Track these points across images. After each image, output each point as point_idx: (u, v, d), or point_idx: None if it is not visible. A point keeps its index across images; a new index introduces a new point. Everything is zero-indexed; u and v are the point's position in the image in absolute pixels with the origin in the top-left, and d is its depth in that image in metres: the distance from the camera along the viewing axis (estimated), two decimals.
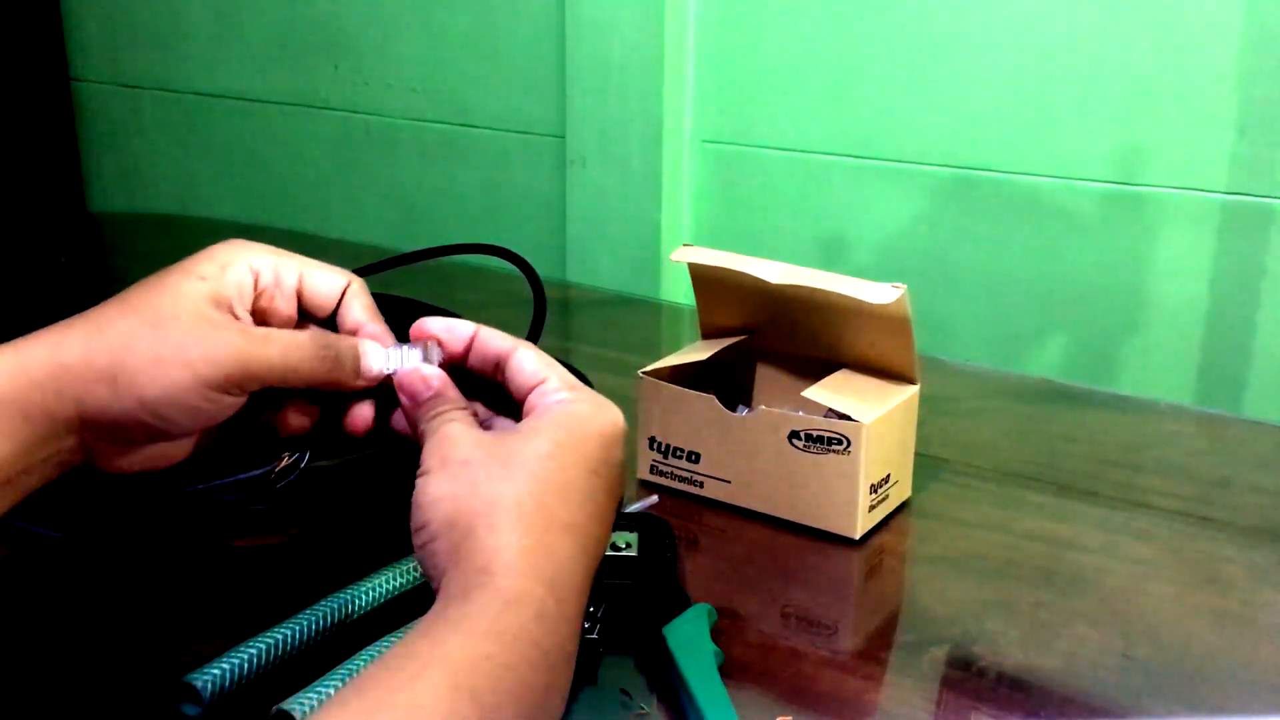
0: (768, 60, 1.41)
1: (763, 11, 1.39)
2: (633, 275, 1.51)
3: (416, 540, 0.47)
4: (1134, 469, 0.80)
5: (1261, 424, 0.92)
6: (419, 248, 0.90)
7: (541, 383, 0.51)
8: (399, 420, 0.55)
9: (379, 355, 0.55)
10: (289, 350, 0.52)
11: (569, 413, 0.50)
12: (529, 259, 0.87)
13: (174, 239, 1.43)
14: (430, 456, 0.48)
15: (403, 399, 0.53)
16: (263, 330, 0.52)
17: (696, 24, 1.44)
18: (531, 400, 0.51)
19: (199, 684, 0.52)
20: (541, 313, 0.86)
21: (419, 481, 0.48)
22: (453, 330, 0.54)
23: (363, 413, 0.56)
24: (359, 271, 0.93)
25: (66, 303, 1.19)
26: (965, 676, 0.57)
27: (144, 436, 0.50)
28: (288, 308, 0.55)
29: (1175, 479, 0.78)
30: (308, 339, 0.53)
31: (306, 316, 0.56)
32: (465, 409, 0.51)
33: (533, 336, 0.85)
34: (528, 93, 1.59)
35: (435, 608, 0.43)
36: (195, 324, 0.50)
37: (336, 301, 0.56)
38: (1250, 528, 0.72)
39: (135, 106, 1.98)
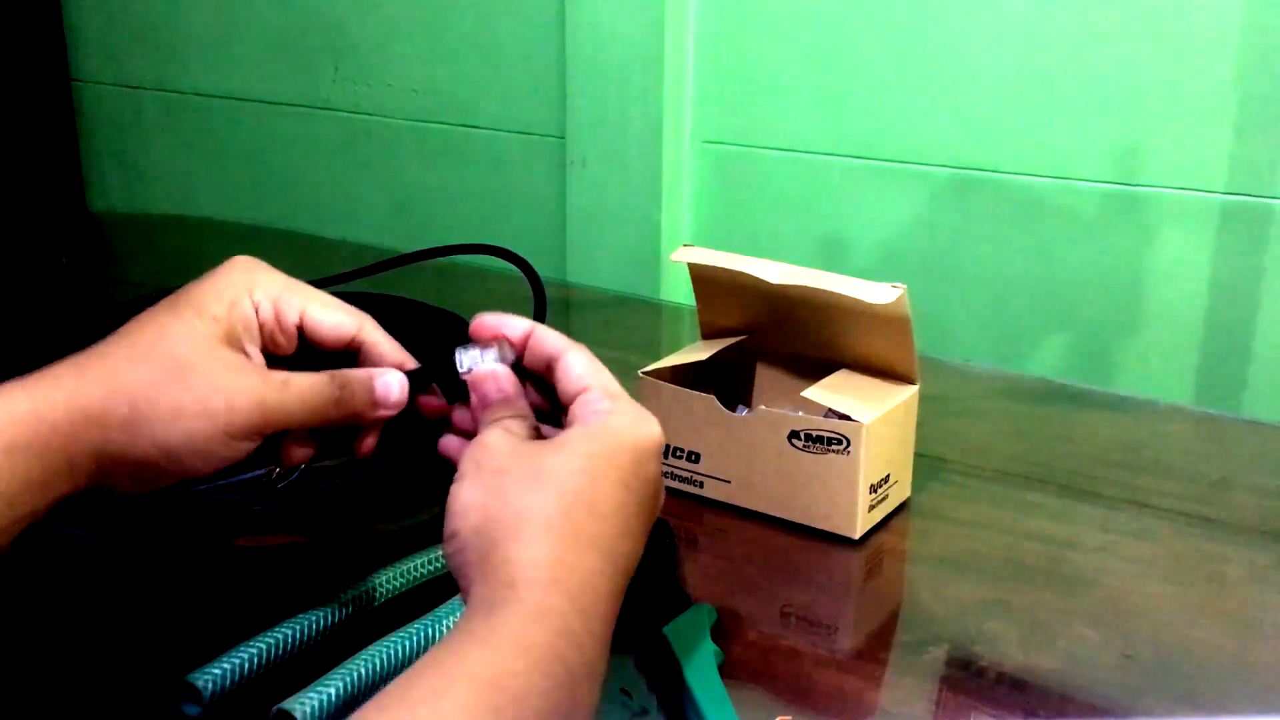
0: (768, 60, 1.41)
1: (763, 11, 1.39)
2: (633, 275, 1.51)
3: (447, 548, 0.47)
4: (1134, 469, 0.80)
5: (1261, 424, 0.92)
6: (419, 248, 0.91)
7: (584, 390, 0.51)
8: (448, 445, 0.55)
9: (397, 383, 0.55)
10: (306, 395, 0.52)
11: (605, 425, 0.49)
12: (529, 259, 0.87)
13: (174, 239, 1.43)
14: (466, 461, 0.48)
15: (474, 398, 0.53)
16: (281, 375, 0.52)
17: (696, 24, 1.44)
18: (574, 410, 0.51)
19: (200, 684, 0.52)
20: (542, 313, 0.86)
21: (453, 488, 0.47)
22: (509, 325, 0.54)
23: (368, 442, 0.56)
24: (359, 272, 0.93)
25: (66, 303, 1.19)
26: (965, 676, 0.57)
27: (161, 477, 0.51)
28: (287, 344, 0.55)
29: (1175, 479, 0.78)
30: (324, 381, 0.53)
31: (312, 349, 0.56)
32: (525, 418, 0.51)
33: None
34: (528, 93, 1.59)
35: (461, 621, 0.43)
36: (214, 371, 0.50)
37: (340, 340, 0.55)
38: (1250, 528, 0.72)
39: (135, 106, 1.98)
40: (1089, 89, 1.24)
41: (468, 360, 0.54)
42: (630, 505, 0.48)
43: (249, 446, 0.51)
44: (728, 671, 0.56)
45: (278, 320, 0.54)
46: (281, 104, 1.82)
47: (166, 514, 0.69)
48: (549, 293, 0.86)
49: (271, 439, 0.53)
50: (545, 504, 0.45)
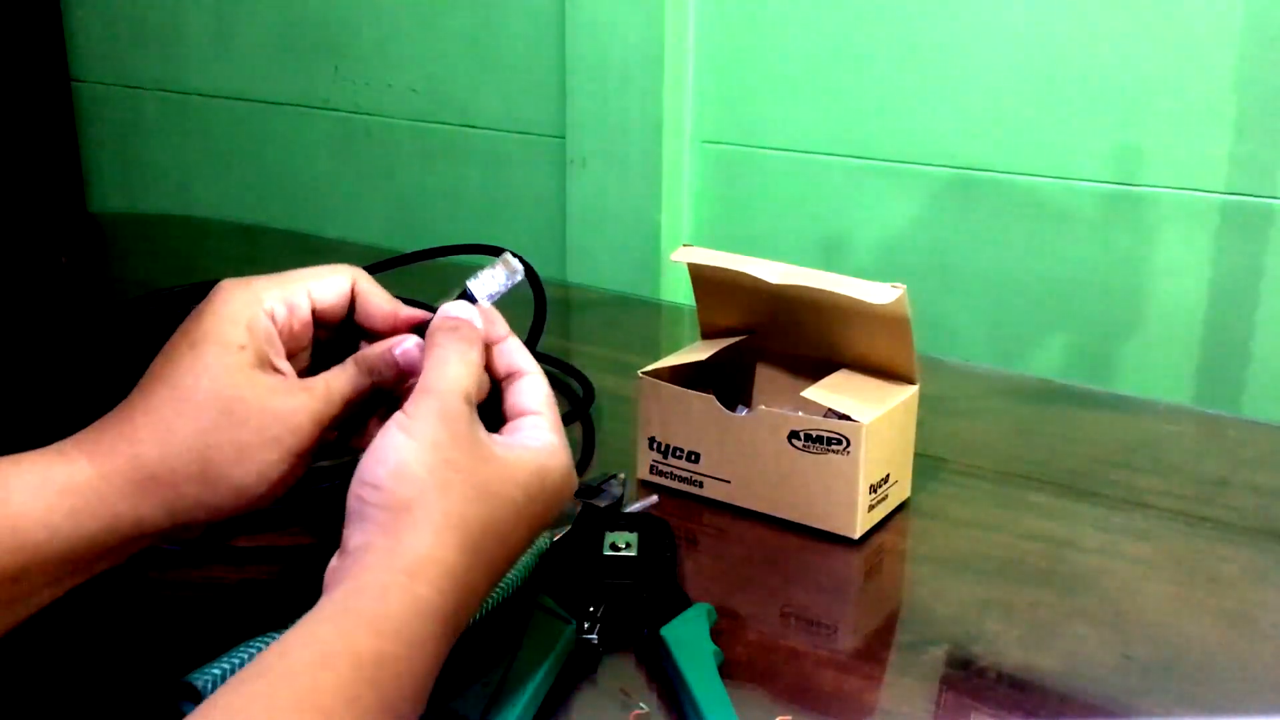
0: (768, 60, 1.41)
1: (763, 11, 1.39)
2: (633, 275, 1.51)
3: (361, 490, 0.46)
4: (1133, 469, 0.80)
5: (1260, 424, 0.92)
6: (419, 248, 0.90)
7: (537, 414, 0.52)
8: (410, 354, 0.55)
9: (415, 346, 0.55)
10: (347, 392, 0.53)
11: (550, 466, 0.50)
12: (529, 259, 0.87)
13: (174, 239, 1.43)
14: (425, 419, 0.47)
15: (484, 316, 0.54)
16: (320, 382, 0.52)
17: (696, 24, 1.44)
18: (520, 424, 0.52)
19: (199, 684, 0.52)
20: (542, 313, 0.86)
21: (399, 435, 0.46)
22: (496, 326, 0.55)
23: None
24: None
25: (66, 303, 1.19)
26: (965, 676, 0.57)
27: (232, 515, 0.51)
28: (305, 332, 0.55)
29: (1174, 479, 0.78)
30: (354, 371, 0.54)
31: (319, 325, 0.56)
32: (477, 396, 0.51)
33: (533, 336, 0.85)
34: (528, 93, 1.59)
35: (341, 595, 0.43)
36: (265, 400, 0.50)
37: (345, 304, 0.56)
38: (1249, 528, 0.72)
39: (135, 106, 1.98)
40: (1089, 89, 1.24)
41: (482, 289, 0.55)
42: (526, 541, 0.50)
43: (309, 459, 0.52)
44: (727, 671, 0.56)
45: (292, 316, 0.54)
46: (281, 104, 1.82)
47: None
48: (549, 293, 0.86)
49: None
50: (473, 519, 0.46)
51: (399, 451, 0.46)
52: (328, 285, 0.55)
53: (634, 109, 1.46)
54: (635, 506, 0.72)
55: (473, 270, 0.59)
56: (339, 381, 0.53)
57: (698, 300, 0.78)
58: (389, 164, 1.75)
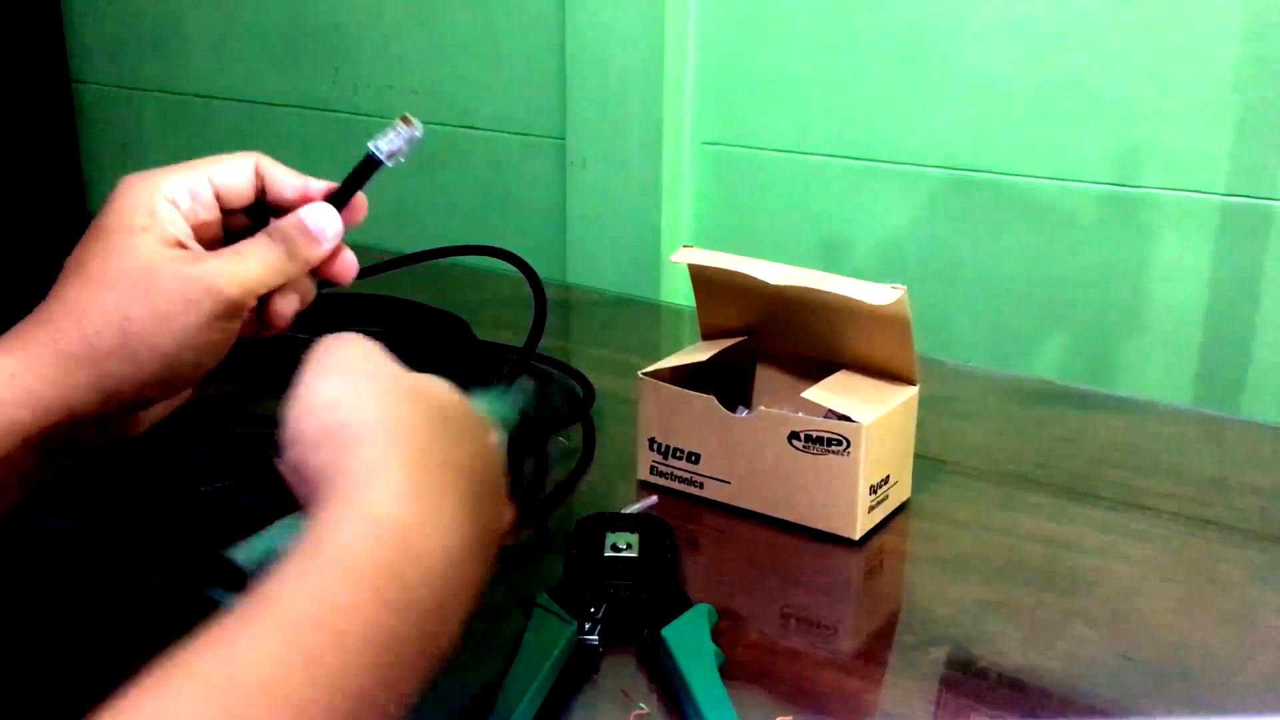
0: (768, 61, 1.41)
1: (762, 13, 1.39)
2: (633, 276, 1.51)
3: (292, 452, 0.44)
4: (1133, 470, 0.80)
5: (1260, 425, 0.92)
6: (419, 249, 0.91)
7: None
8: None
9: (326, 215, 0.58)
10: (262, 257, 0.54)
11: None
12: (529, 260, 0.87)
13: None
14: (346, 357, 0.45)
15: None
16: (231, 248, 0.54)
17: (696, 25, 1.44)
18: None
19: (243, 561, 0.51)
20: (542, 314, 0.86)
21: (324, 381, 0.44)
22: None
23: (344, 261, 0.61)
24: (359, 272, 0.93)
25: None
26: (965, 676, 0.57)
27: (164, 392, 0.52)
28: (214, 219, 0.56)
29: (1174, 480, 0.78)
30: (267, 241, 0.55)
31: (229, 213, 0.57)
32: None
33: (533, 338, 0.85)
34: (528, 94, 1.59)
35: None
36: (176, 268, 0.51)
37: (251, 185, 0.57)
38: (1249, 528, 0.72)
39: (136, 108, 1.98)
40: (1088, 90, 1.24)
41: (386, 146, 0.56)
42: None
43: (235, 326, 0.53)
44: (728, 672, 0.56)
45: (195, 201, 0.55)
46: (281, 105, 1.82)
47: (168, 515, 0.69)
48: (549, 294, 0.86)
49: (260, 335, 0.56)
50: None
51: (315, 394, 0.45)
52: (229, 169, 0.57)
53: (634, 110, 1.46)
54: (635, 507, 0.72)
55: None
56: (252, 249, 0.54)
57: (698, 301, 0.78)
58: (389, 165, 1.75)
